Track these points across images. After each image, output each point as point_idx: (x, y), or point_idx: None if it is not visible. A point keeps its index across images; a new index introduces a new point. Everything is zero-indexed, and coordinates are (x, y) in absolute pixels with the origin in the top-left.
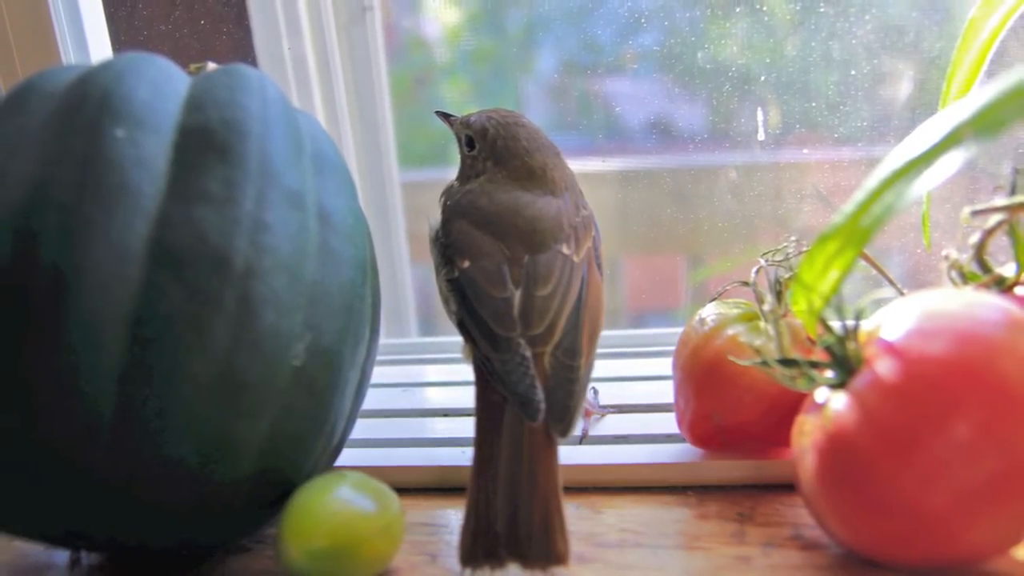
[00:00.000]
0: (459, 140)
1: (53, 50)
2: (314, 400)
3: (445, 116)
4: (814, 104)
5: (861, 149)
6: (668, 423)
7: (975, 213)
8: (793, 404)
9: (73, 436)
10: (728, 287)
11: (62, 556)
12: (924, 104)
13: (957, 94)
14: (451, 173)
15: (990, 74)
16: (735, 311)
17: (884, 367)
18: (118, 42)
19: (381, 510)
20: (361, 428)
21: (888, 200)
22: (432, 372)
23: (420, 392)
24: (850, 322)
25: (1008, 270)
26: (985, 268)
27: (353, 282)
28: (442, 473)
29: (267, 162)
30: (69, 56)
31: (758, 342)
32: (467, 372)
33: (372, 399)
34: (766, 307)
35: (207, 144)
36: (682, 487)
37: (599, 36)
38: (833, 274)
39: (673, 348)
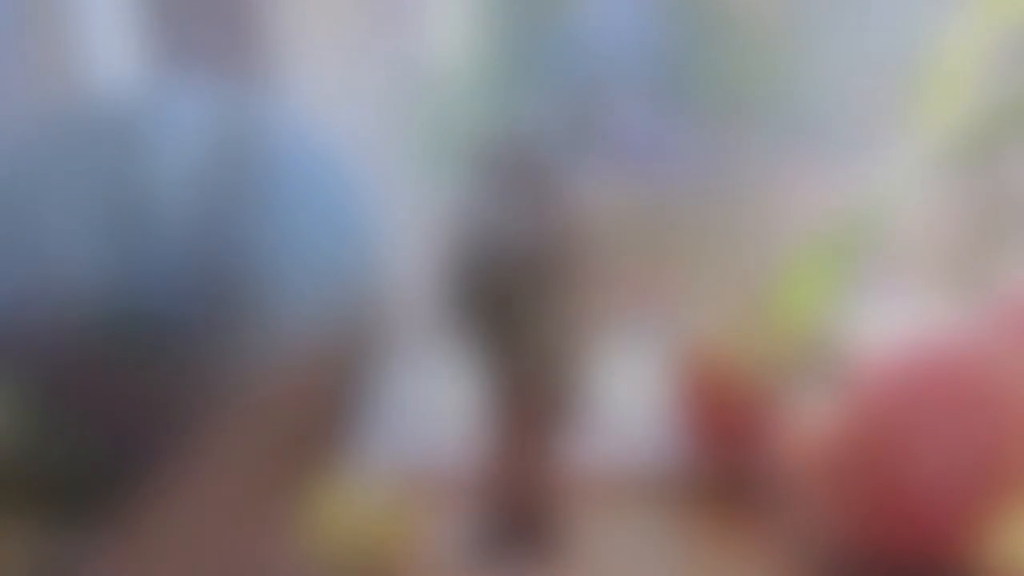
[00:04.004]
0: None
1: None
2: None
3: None
4: (800, 124)
5: (847, 168)
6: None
7: None
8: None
9: None
10: None
11: None
12: (905, 127)
13: (936, 118)
14: None
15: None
16: None
17: (868, 372)
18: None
19: (392, 507)
20: None
21: (873, 215)
22: None
23: None
24: (836, 330)
25: None
26: None
27: None
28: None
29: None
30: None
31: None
32: None
33: None
34: None
35: (227, 161)
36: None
37: None
38: (822, 283)
39: None
